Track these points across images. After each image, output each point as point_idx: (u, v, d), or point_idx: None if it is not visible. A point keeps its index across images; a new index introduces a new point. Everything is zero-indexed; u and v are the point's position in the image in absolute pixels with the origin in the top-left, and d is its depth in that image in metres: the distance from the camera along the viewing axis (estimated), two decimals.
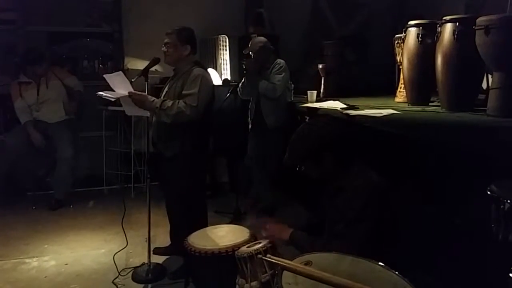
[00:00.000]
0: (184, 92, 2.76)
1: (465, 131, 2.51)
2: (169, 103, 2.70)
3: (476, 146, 2.11)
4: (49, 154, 4.41)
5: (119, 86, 2.76)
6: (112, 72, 2.88)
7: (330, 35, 5.40)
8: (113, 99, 2.81)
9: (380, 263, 1.42)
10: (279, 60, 3.92)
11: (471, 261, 1.99)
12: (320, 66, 4.46)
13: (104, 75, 2.80)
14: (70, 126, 4.43)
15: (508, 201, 1.50)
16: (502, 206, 1.52)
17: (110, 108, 4.27)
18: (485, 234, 1.64)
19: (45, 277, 2.99)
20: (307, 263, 1.42)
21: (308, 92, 4.09)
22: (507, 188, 1.57)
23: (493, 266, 1.67)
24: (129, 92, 2.69)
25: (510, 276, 1.52)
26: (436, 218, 2.30)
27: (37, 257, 3.27)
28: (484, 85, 3.25)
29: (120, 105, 2.93)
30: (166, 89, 2.97)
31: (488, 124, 2.61)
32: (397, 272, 1.37)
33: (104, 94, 2.74)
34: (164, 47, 2.88)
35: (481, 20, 2.70)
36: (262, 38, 3.97)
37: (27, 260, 3.21)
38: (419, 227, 2.30)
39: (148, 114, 2.87)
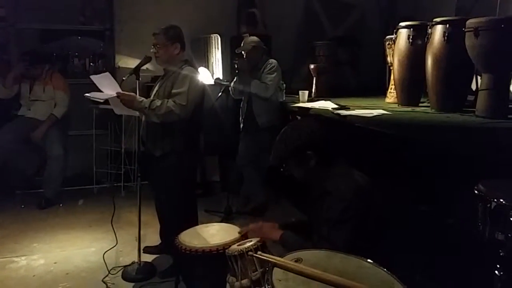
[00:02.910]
0: (173, 91, 2.75)
1: (454, 131, 2.54)
2: (158, 102, 2.69)
3: (464, 146, 2.13)
4: (39, 153, 4.38)
5: (107, 87, 2.75)
6: (104, 70, 2.90)
7: (322, 35, 5.43)
8: (101, 101, 2.80)
9: (369, 260, 1.44)
10: (271, 60, 3.93)
11: (460, 259, 2.02)
12: (312, 66, 4.48)
13: (91, 76, 2.79)
14: (60, 124, 4.39)
15: (494, 200, 1.52)
16: (488, 205, 1.54)
17: (101, 106, 4.25)
18: (473, 232, 1.67)
19: (34, 276, 2.96)
20: (298, 260, 1.43)
21: (300, 92, 4.11)
22: (493, 187, 1.60)
23: (481, 264, 1.69)
24: (117, 93, 2.68)
25: (496, 274, 1.55)
26: (426, 217, 2.32)
27: (26, 256, 3.24)
28: (473, 87, 3.28)
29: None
30: (156, 88, 2.96)
31: (476, 124, 2.63)
32: (385, 269, 1.38)
33: (92, 96, 2.73)
34: (154, 49, 2.86)
35: (470, 22, 2.73)
36: (254, 38, 3.98)
37: (15, 259, 3.19)
38: (410, 226, 2.32)
39: (137, 113, 2.86)
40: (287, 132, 1.97)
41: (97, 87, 2.77)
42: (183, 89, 2.73)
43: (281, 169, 1.99)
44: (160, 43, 2.84)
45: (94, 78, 2.76)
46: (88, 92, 2.76)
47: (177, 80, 2.78)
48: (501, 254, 1.53)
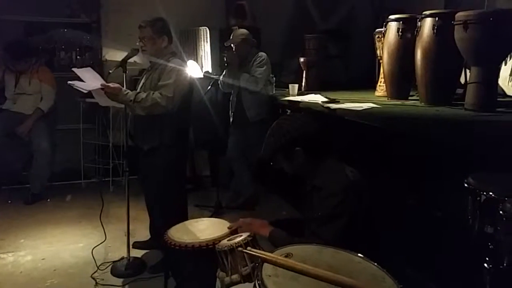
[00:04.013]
0: (160, 83, 2.71)
1: (443, 124, 2.54)
2: (143, 95, 2.64)
3: (454, 140, 2.14)
4: (25, 147, 4.31)
5: (91, 80, 2.71)
6: (91, 63, 2.86)
7: (312, 28, 5.40)
8: (85, 91, 2.75)
9: (359, 254, 1.43)
10: (260, 53, 3.91)
11: (450, 252, 2.03)
12: (302, 59, 4.46)
13: (74, 69, 2.74)
14: (46, 118, 4.33)
15: (484, 193, 1.53)
16: (478, 198, 1.55)
17: (88, 100, 4.19)
18: (462, 225, 1.67)
19: (21, 272, 2.93)
20: (288, 255, 1.42)
21: (290, 85, 4.09)
22: (483, 180, 1.60)
23: (470, 257, 1.70)
24: (101, 84, 2.63)
25: (485, 266, 1.56)
26: (416, 210, 2.33)
27: (13, 252, 3.20)
28: (462, 80, 3.30)
29: None
30: (142, 81, 2.91)
31: (465, 118, 2.64)
32: (376, 263, 1.38)
33: (76, 84, 2.67)
34: (141, 42, 2.80)
35: (459, 15, 2.73)
36: (243, 31, 3.95)
37: (2, 255, 3.14)
38: (399, 219, 2.33)
39: (122, 105, 2.81)
40: (276, 127, 1.95)
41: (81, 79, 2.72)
42: (170, 81, 2.69)
43: (271, 164, 1.97)
44: (147, 37, 2.79)
45: (77, 71, 2.71)
46: (73, 85, 2.71)
47: (164, 72, 2.74)
48: (490, 247, 1.54)
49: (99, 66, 4.79)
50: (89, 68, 2.76)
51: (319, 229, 1.74)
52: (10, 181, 4.46)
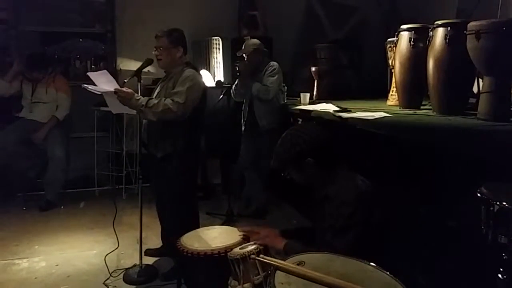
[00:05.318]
0: (173, 90, 2.75)
1: (455, 134, 2.54)
2: (155, 100, 2.68)
3: (466, 149, 2.13)
4: (40, 155, 4.38)
5: (105, 84, 2.74)
6: None
7: (323, 38, 5.43)
8: (98, 93, 2.78)
9: (371, 263, 1.43)
10: (272, 63, 3.93)
11: (463, 262, 2.01)
12: (313, 68, 4.49)
13: (89, 73, 2.79)
14: (61, 126, 4.40)
15: (498, 203, 1.52)
16: (491, 208, 1.54)
17: (102, 108, 4.25)
18: (476, 235, 1.66)
19: (35, 278, 2.96)
20: (300, 263, 1.43)
21: (301, 94, 4.11)
22: (496, 190, 1.59)
23: (484, 267, 1.69)
24: (115, 89, 2.67)
25: (499, 277, 1.54)
26: (429, 220, 2.32)
27: (27, 258, 3.24)
28: (475, 89, 3.28)
29: None
30: (157, 90, 2.95)
31: (478, 127, 2.63)
32: (388, 272, 1.38)
33: (90, 87, 2.72)
34: (156, 51, 2.84)
35: (472, 25, 2.73)
36: (255, 40, 3.98)
37: (17, 261, 3.18)
38: (412, 229, 2.32)
39: (134, 112, 2.85)
40: (287, 137, 1.94)
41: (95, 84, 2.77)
42: (182, 88, 2.72)
43: (282, 174, 1.98)
44: (163, 46, 2.83)
45: (92, 75, 2.76)
46: (87, 88, 2.75)
47: (178, 81, 2.78)
48: (504, 257, 1.53)
49: (114, 76, 4.77)
50: (104, 71, 2.80)
51: (331, 239, 1.74)
52: (25, 188, 4.52)
